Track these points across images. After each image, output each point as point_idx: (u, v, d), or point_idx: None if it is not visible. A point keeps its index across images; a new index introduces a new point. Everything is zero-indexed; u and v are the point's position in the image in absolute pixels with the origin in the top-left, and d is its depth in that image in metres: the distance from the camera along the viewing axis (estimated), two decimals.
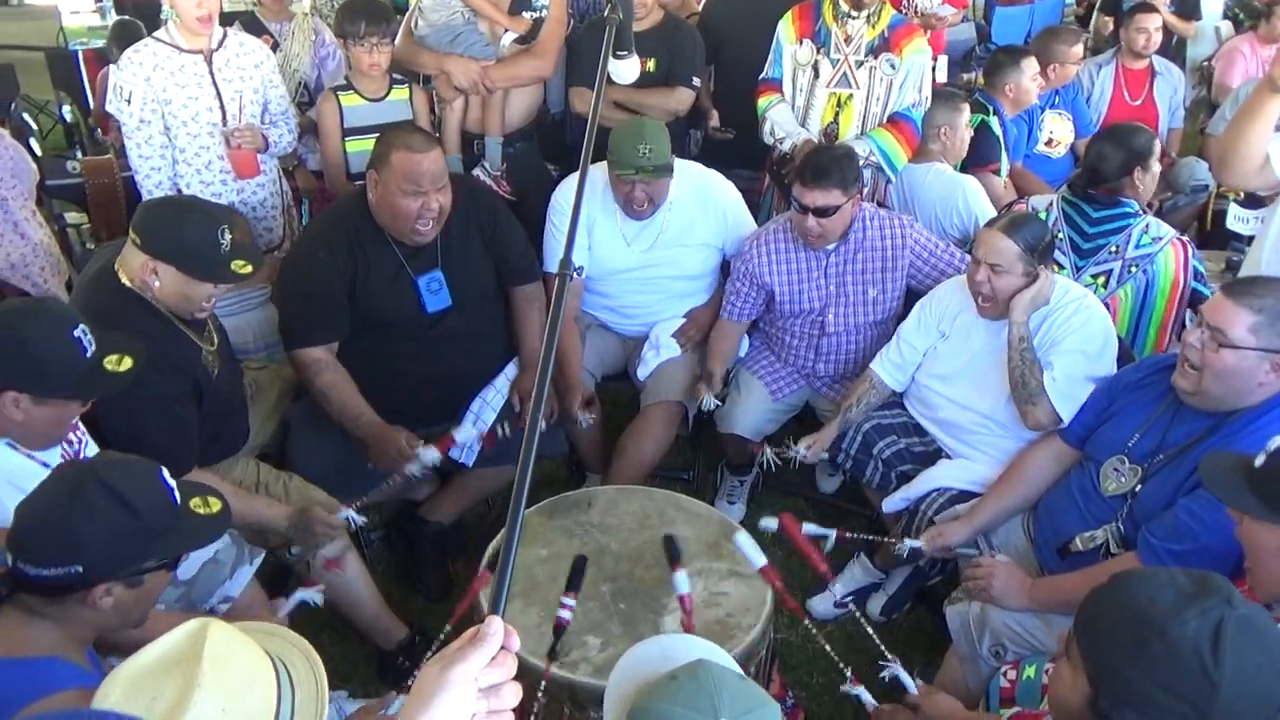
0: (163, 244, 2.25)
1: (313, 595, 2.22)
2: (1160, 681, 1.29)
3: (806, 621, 2.21)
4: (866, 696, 2.04)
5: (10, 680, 1.46)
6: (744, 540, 2.11)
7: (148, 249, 2.25)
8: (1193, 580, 1.36)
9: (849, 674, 2.06)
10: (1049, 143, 4.40)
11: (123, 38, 5.19)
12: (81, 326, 1.90)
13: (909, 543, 2.53)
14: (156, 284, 2.26)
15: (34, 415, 1.87)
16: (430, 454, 2.61)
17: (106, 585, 1.53)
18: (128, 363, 1.96)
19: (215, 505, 1.71)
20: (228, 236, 2.29)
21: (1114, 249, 2.96)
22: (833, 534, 2.44)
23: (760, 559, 2.10)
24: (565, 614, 1.88)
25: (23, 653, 1.50)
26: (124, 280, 2.29)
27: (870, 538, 2.70)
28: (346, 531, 2.54)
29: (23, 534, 1.51)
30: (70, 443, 2.08)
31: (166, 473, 1.64)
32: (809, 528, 2.42)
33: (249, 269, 2.33)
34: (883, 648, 2.11)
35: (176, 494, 1.64)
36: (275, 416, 2.95)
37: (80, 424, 2.12)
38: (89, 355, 1.90)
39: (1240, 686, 1.26)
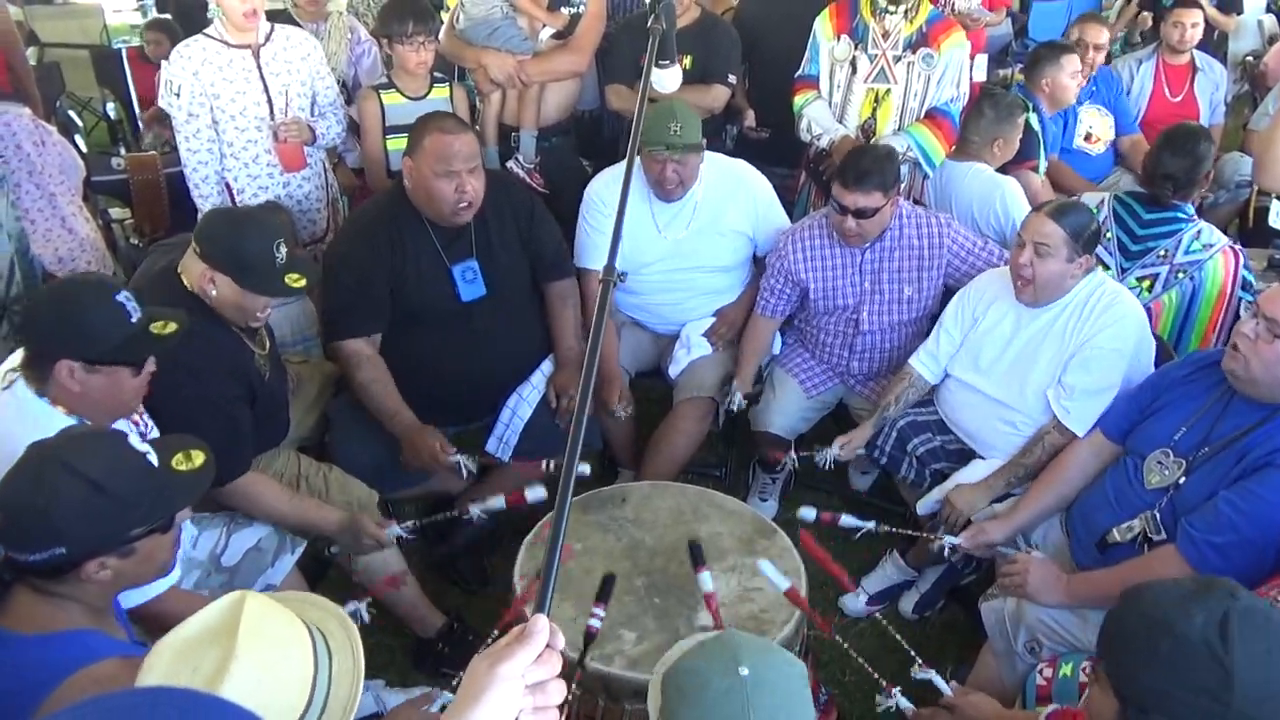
0: (221, 255, 2.30)
1: (361, 608, 2.16)
2: (1177, 679, 1.32)
3: (838, 637, 2.19)
4: (904, 703, 2.03)
5: (49, 655, 1.49)
6: (767, 567, 2.12)
7: (206, 258, 2.31)
8: (1196, 581, 1.41)
9: (883, 683, 2.05)
10: (1088, 138, 4.35)
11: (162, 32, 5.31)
12: (125, 293, 1.97)
13: (949, 539, 2.53)
14: (213, 292, 2.32)
15: (89, 385, 1.92)
16: (466, 461, 2.65)
17: (98, 560, 1.54)
18: (172, 326, 2.02)
19: (198, 458, 1.70)
20: (283, 250, 2.34)
21: (1163, 253, 2.92)
22: (870, 524, 2.46)
23: (783, 583, 2.10)
24: (594, 622, 1.95)
25: (53, 628, 1.53)
26: (187, 284, 2.34)
27: (910, 533, 2.69)
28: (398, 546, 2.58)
29: (2, 522, 1.52)
30: (135, 424, 2.14)
31: (135, 439, 1.65)
32: (847, 519, 2.44)
33: (302, 283, 2.38)
34: (912, 653, 2.10)
35: (153, 456, 1.63)
36: (316, 409, 3.00)
37: (145, 410, 2.18)
38: (135, 320, 1.96)
39: (1254, 671, 1.29)
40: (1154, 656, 1.33)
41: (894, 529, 2.58)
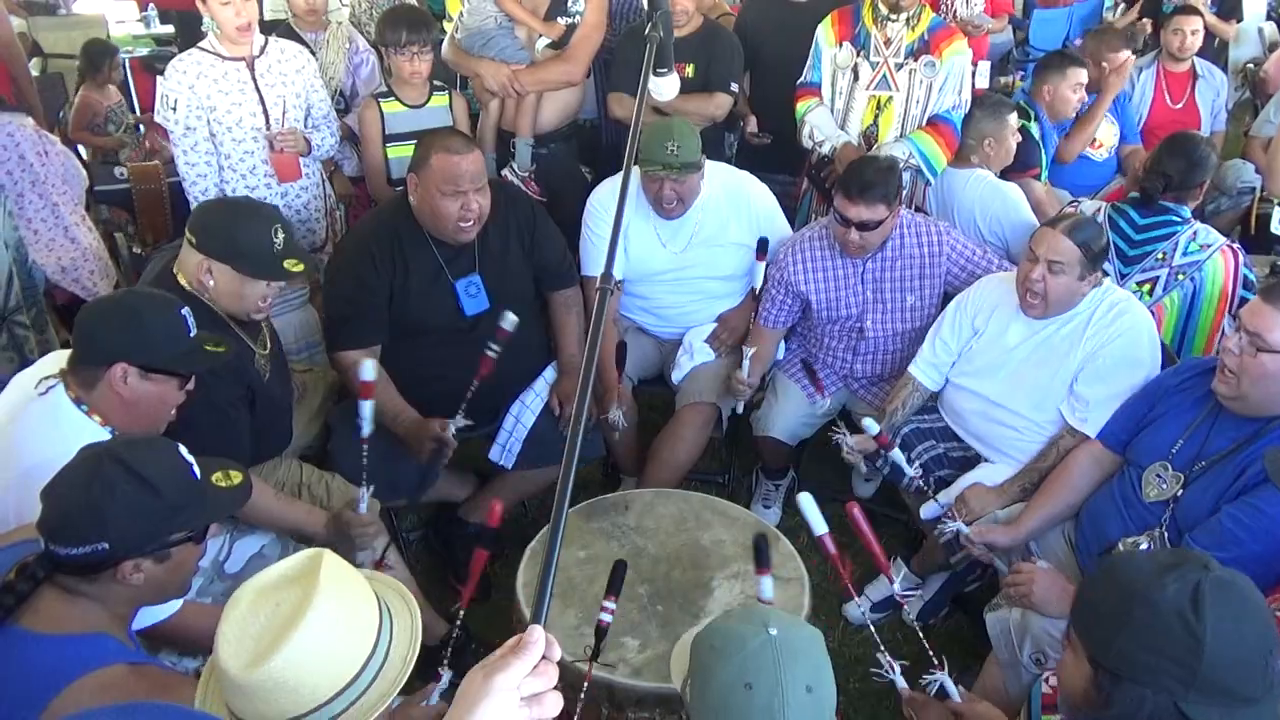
0: (218, 244, 2.30)
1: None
2: (1149, 645, 1.35)
3: (855, 604, 2.17)
4: (900, 681, 2.00)
5: (63, 655, 1.51)
6: (807, 503, 2.03)
7: (203, 249, 2.31)
8: (1171, 554, 1.47)
9: (887, 659, 2.01)
10: (1092, 143, 4.33)
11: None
12: (186, 308, 2.03)
13: (961, 526, 2.52)
14: (211, 284, 2.32)
15: (139, 391, 1.95)
16: (458, 421, 2.67)
17: (135, 561, 1.57)
18: (223, 347, 2.08)
19: (236, 478, 1.75)
20: (280, 235, 2.36)
21: (1161, 255, 2.92)
22: (876, 428, 2.52)
23: (822, 525, 2.02)
24: (606, 616, 1.89)
25: (71, 629, 1.55)
26: (182, 282, 2.35)
27: (932, 494, 2.65)
28: (384, 527, 2.57)
29: (50, 516, 1.56)
30: None
31: (184, 449, 1.68)
32: (896, 454, 2.57)
33: (300, 267, 2.39)
34: (930, 654, 2.08)
35: (196, 469, 1.68)
36: (319, 418, 3.00)
37: None
38: (192, 335, 2.02)
39: (1224, 640, 1.31)
40: (1128, 624, 1.36)
41: (928, 487, 2.64)
